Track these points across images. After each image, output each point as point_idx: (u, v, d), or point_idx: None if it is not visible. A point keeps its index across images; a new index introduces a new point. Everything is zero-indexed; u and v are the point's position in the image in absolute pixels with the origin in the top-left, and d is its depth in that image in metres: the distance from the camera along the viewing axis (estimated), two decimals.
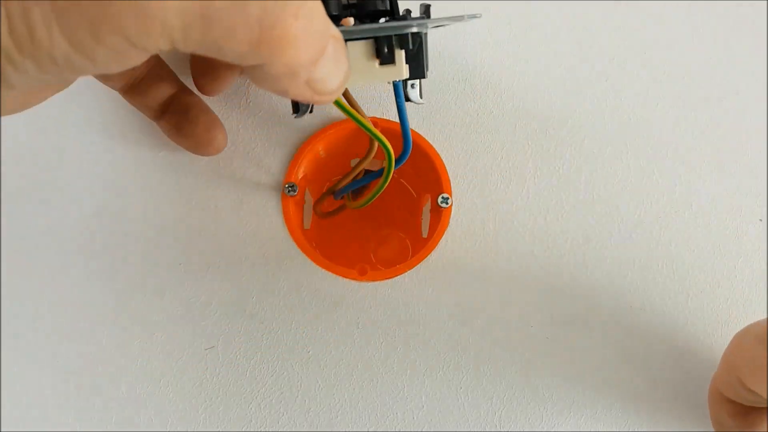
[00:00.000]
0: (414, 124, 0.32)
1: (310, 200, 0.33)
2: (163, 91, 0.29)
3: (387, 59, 0.22)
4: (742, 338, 0.27)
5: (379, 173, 0.26)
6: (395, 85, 0.24)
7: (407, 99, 0.26)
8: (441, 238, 0.31)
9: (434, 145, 0.32)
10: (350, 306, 0.30)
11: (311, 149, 0.31)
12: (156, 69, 0.29)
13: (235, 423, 0.29)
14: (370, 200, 0.27)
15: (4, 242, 0.30)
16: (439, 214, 0.31)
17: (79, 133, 0.31)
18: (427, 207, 0.33)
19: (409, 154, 0.26)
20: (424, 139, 0.32)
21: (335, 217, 0.33)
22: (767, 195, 0.33)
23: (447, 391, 0.30)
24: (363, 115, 0.24)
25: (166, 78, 0.29)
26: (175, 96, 0.29)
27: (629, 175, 0.32)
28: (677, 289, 0.31)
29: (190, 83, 0.30)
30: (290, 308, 0.30)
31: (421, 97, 0.26)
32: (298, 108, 0.27)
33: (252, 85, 0.32)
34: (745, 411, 0.28)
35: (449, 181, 0.31)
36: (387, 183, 0.26)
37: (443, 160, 0.32)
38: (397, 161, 0.26)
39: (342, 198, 0.29)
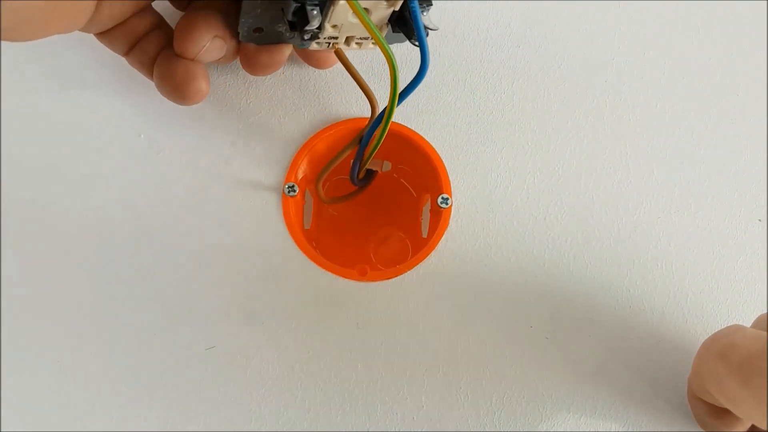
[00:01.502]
0: (414, 124, 0.32)
1: (310, 200, 0.33)
2: (157, 44, 0.29)
3: None
4: (707, 349, 0.26)
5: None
6: None
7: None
8: (441, 238, 0.31)
9: (434, 145, 0.32)
10: (350, 306, 0.30)
11: (311, 150, 0.31)
12: (160, 27, 0.29)
13: (235, 423, 0.29)
14: (385, 128, 0.27)
15: (4, 240, 0.30)
16: (439, 215, 0.31)
17: (77, 133, 0.31)
18: (427, 207, 0.33)
19: (426, 72, 0.24)
20: (424, 139, 0.32)
21: (335, 218, 0.33)
22: (767, 195, 0.33)
23: (447, 391, 0.30)
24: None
25: (163, 32, 0.29)
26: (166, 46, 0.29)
27: (629, 175, 0.32)
28: (677, 289, 0.31)
29: None
30: (290, 308, 0.30)
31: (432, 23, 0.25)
32: (306, 20, 0.25)
33: (252, 86, 0.32)
34: (721, 412, 0.28)
35: (449, 181, 0.31)
36: (395, 105, 0.25)
37: (443, 160, 0.32)
38: (416, 80, 0.25)
39: (362, 156, 0.29)
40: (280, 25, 0.27)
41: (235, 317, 0.30)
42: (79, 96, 0.32)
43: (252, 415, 0.29)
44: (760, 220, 0.32)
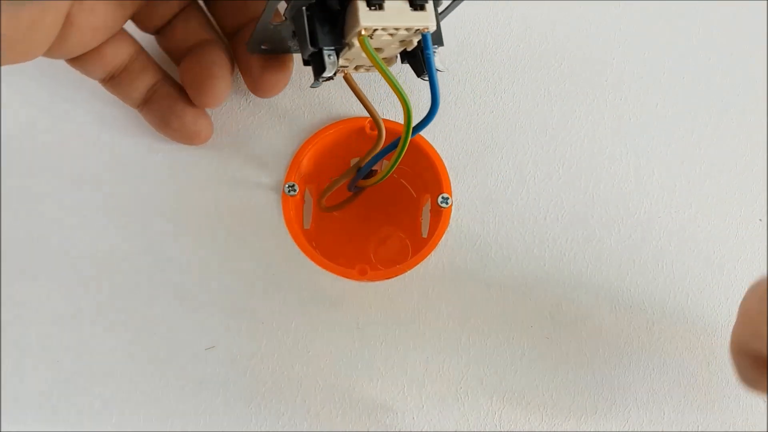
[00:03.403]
0: (414, 124, 0.32)
1: (310, 200, 0.33)
2: (146, 81, 0.29)
3: (418, 4, 0.24)
4: (754, 291, 0.24)
5: (394, 144, 0.26)
6: (424, 36, 0.25)
7: None
8: (441, 238, 0.31)
9: (434, 145, 0.32)
10: (350, 306, 0.30)
11: (311, 149, 0.31)
12: (138, 59, 0.29)
13: (235, 423, 0.29)
14: (392, 168, 0.27)
15: (4, 245, 0.30)
16: (439, 214, 0.31)
17: (76, 135, 0.31)
18: (427, 207, 0.33)
19: (436, 113, 0.25)
20: (424, 139, 0.32)
21: (335, 218, 0.33)
22: (767, 195, 0.33)
23: (447, 391, 0.30)
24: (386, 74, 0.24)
25: (148, 67, 0.29)
26: (157, 85, 0.29)
27: (629, 175, 0.32)
28: (677, 289, 0.31)
29: (172, 72, 0.30)
30: (290, 308, 0.30)
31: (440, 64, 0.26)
32: (322, 67, 0.25)
33: None
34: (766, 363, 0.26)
35: (449, 181, 0.31)
36: (406, 146, 0.26)
37: (443, 160, 0.32)
38: (426, 120, 0.25)
39: (358, 183, 0.29)
40: (290, 41, 0.27)
41: (235, 317, 0.30)
42: (77, 98, 0.32)
43: (252, 415, 0.29)
44: (760, 220, 0.32)
